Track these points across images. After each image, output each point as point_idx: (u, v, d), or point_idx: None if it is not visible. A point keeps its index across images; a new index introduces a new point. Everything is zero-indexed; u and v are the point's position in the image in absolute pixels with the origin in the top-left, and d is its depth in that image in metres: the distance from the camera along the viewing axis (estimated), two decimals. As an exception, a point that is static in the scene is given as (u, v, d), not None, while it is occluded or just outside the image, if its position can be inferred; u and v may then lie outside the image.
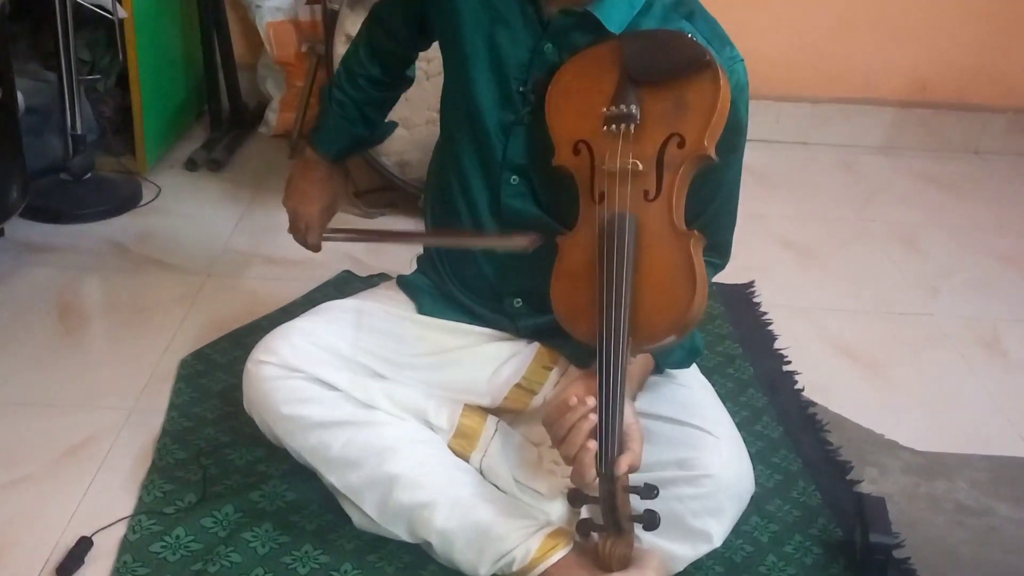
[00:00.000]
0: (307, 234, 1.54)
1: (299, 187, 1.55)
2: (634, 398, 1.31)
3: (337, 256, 2.13)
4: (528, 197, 1.34)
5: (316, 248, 1.56)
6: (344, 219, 2.23)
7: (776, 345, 2.02)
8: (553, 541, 1.30)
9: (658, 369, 1.38)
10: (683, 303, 1.15)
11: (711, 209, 1.32)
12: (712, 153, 1.17)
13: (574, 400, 1.19)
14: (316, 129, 1.54)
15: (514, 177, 1.34)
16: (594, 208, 1.22)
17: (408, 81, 1.57)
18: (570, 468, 1.20)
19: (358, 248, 2.18)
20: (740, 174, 1.36)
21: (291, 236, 1.57)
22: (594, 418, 1.18)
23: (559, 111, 1.25)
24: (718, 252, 1.38)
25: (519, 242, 1.29)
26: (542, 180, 1.33)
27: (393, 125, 1.62)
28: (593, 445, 1.16)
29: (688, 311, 1.15)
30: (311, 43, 2.71)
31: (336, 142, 1.54)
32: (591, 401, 1.18)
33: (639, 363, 1.32)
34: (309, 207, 1.53)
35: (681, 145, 1.17)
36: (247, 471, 1.53)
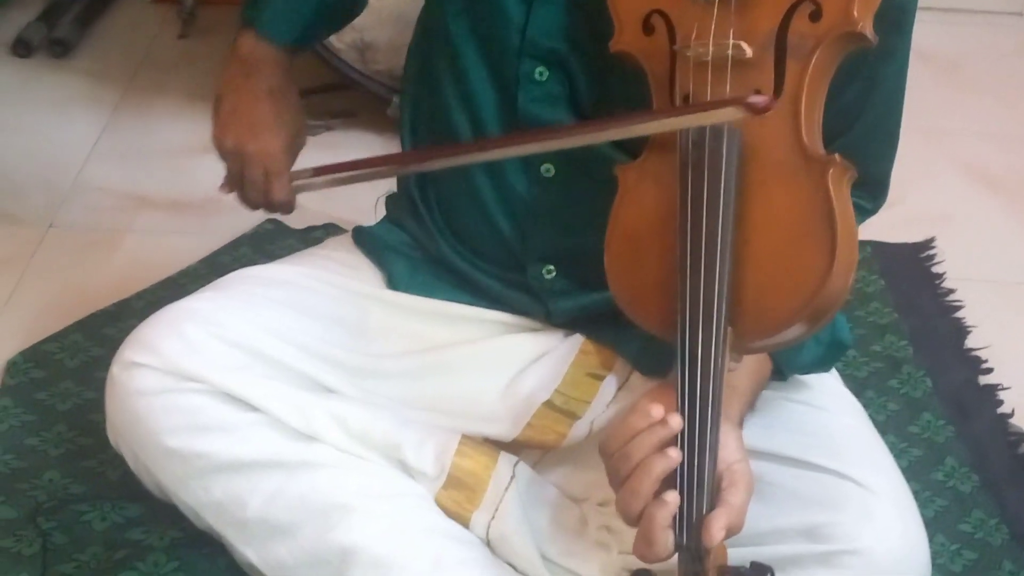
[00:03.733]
0: (270, 186, 1.48)
1: (240, 109, 1.49)
2: (740, 423, 1.32)
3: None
4: (562, 102, 1.35)
5: (287, 207, 1.51)
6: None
7: (969, 343, 2.02)
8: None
9: (779, 374, 1.39)
10: (817, 271, 1.15)
11: (858, 125, 1.33)
12: (867, 30, 1.17)
13: (659, 411, 1.18)
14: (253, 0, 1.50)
15: (540, 69, 1.34)
16: (674, 120, 1.22)
17: None
18: (632, 535, 1.21)
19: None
20: (906, 67, 1.36)
21: (226, 193, 1.52)
22: (676, 457, 1.18)
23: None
24: (868, 189, 1.38)
25: (725, 111, 1.16)
26: (589, 76, 1.33)
27: None
28: (673, 498, 1.18)
29: (825, 283, 1.15)
30: None
31: (293, 12, 1.49)
32: (676, 421, 1.18)
33: (749, 367, 1.33)
34: (266, 141, 1.48)
35: (816, 16, 1.17)
36: (112, 540, 1.55)
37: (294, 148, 1.52)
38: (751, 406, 1.35)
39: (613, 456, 1.21)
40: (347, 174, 1.48)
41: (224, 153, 1.50)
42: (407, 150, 1.52)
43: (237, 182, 1.51)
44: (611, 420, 1.41)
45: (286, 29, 1.49)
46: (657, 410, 1.18)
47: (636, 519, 1.19)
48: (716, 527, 1.16)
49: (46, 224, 2.17)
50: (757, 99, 1.15)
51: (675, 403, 1.19)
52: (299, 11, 1.50)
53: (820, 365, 1.43)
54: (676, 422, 1.18)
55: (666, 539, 1.17)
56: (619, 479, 1.21)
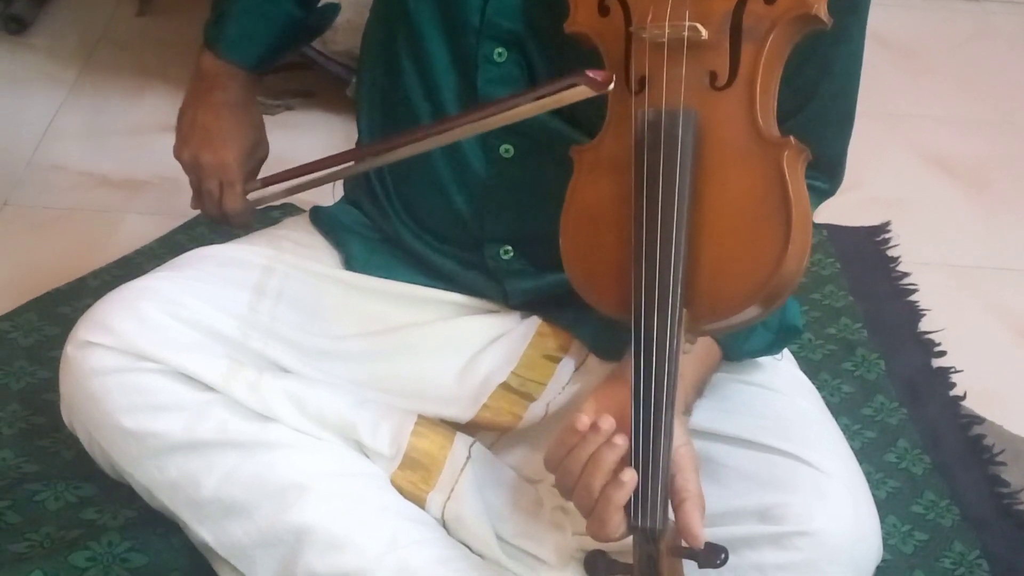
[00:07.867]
0: (223, 197, 1.56)
1: (200, 121, 1.55)
2: (688, 411, 1.33)
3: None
4: (521, 84, 1.34)
5: (241, 220, 1.59)
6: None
7: (923, 327, 2.04)
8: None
9: (727, 358, 1.40)
10: (772, 253, 1.15)
11: (812, 106, 1.33)
12: (821, 12, 1.18)
13: (584, 423, 1.20)
14: (216, 20, 1.53)
15: (499, 50, 1.34)
16: (630, 102, 1.21)
17: None
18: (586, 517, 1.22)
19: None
20: (862, 49, 1.36)
21: (195, 208, 1.58)
22: (622, 444, 1.19)
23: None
24: (823, 170, 1.39)
25: (577, 90, 1.20)
26: (546, 57, 1.33)
27: (335, 8, 1.63)
28: (629, 477, 1.18)
29: (779, 266, 1.15)
30: None
31: (254, 37, 1.53)
32: (607, 424, 1.19)
33: (695, 355, 1.33)
34: (221, 152, 1.55)
35: (771, -1, 1.18)
36: (67, 519, 1.54)
37: (251, 161, 1.57)
38: (699, 393, 1.36)
39: (558, 469, 1.22)
40: (295, 179, 1.49)
41: (183, 165, 1.57)
42: (363, 137, 1.52)
43: (197, 195, 1.58)
44: (567, 402, 1.42)
45: (247, 54, 1.55)
46: (582, 422, 1.19)
47: (589, 511, 1.20)
48: (696, 524, 1.17)
49: (1, 202, 2.16)
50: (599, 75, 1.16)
51: (623, 400, 1.19)
52: (261, 32, 1.54)
53: (770, 350, 1.44)
54: (608, 424, 1.19)
55: (619, 520, 1.18)
56: (567, 490, 1.22)
